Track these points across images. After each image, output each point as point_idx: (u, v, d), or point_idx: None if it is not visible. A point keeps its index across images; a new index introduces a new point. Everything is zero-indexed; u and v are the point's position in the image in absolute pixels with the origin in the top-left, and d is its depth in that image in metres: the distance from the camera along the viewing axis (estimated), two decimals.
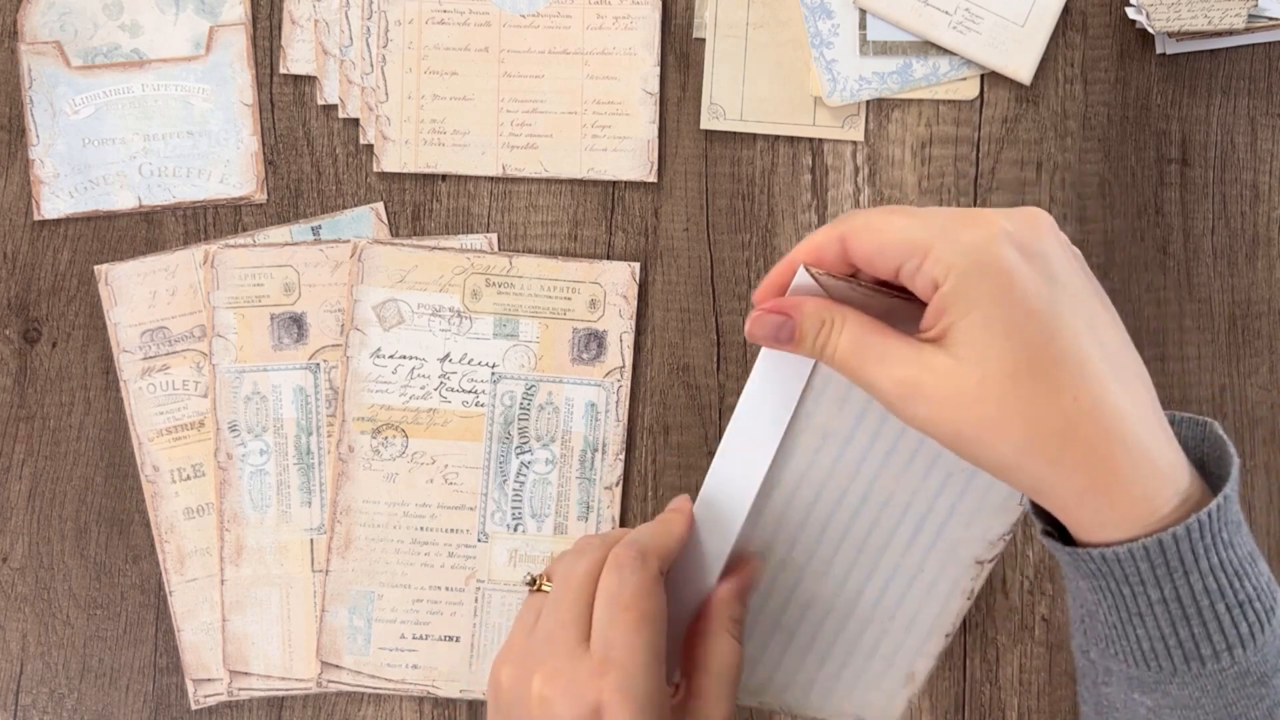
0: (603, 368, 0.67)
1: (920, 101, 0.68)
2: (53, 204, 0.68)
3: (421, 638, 0.67)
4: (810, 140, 0.68)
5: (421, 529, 0.67)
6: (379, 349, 0.67)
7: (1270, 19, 0.64)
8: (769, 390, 0.46)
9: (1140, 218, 0.67)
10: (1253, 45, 0.67)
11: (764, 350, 0.46)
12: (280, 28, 0.68)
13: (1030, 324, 0.39)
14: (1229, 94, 0.67)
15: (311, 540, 0.67)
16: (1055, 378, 0.39)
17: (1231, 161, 0.67)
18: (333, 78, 0.68)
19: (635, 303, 0.67)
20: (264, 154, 0.68)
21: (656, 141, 0.68)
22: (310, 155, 0.68)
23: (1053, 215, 0.44)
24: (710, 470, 0.48)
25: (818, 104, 0.67)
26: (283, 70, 0.68)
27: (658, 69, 0.68)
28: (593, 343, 0.67)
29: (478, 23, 0.68)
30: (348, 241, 0.67)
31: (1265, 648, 0.41)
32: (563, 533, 0.67)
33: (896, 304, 0.44)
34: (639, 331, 0.67)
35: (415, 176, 0.68)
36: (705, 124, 0.68)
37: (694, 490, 0.65)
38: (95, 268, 0.68)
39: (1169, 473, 0.40)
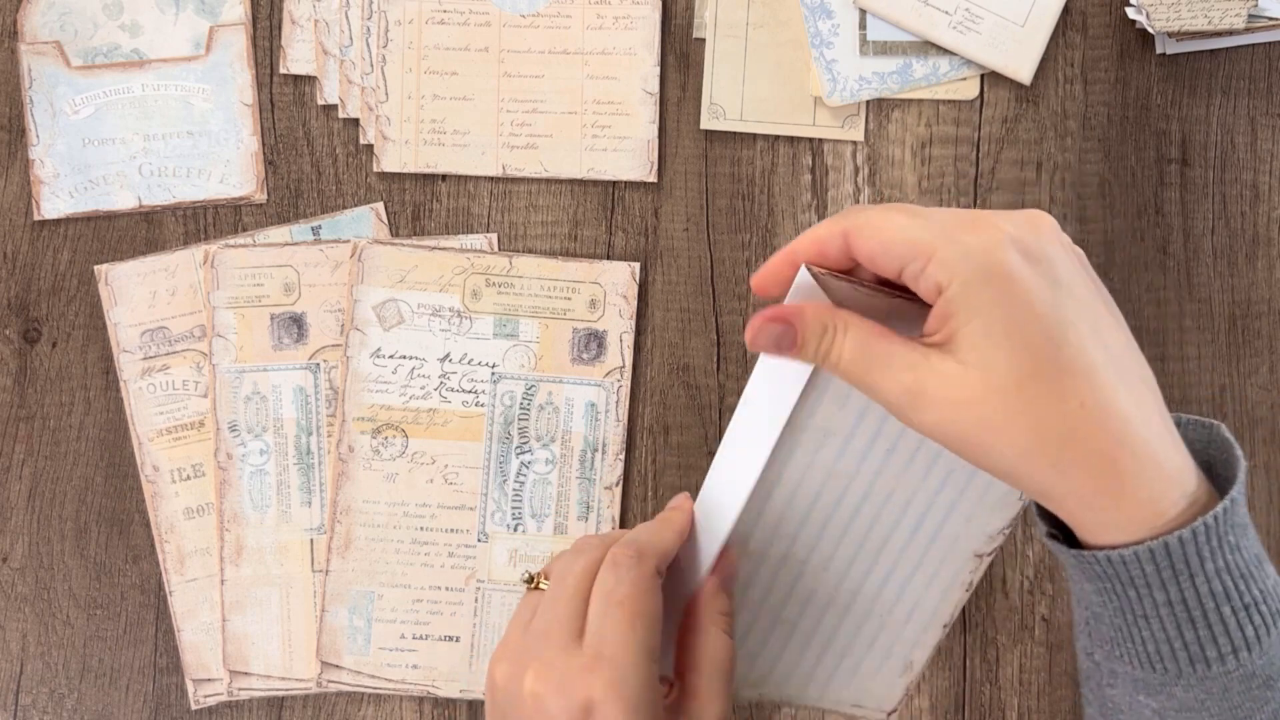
0: (603, 368, 0.67)
1: (920, 101, 0.68)
2: (53, 204, 0.68)
3: (421, 638, 0.67)
4: (810, 140, 0.68)
5: (421, 529, 0.67)
6: (379, 349, 0.67)
7: (1270, 19, 0.64)
8: (768, 391, 0.46)
9: (1140, 218, 0.67)
10: (1253, 45, 0.67)
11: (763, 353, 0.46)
12: (280, 28, 0.68)
13: (1035, 329, 0.39)
14: (1229, 94, 0.67)
15: (311, 540, 0.67)
16: (1061, 383, 0.39)
17: (1231, 161, 0.67)
18: (333, 78, 0.68)
19: (635, 303, 0.67)
20: (264, 154, 0.68)
21: (656, 141, 0.68)
22: (310, 155, 0.68)
23: (1053, 215, 0.44)
24: (710, 470, 0.48)
25: (818, 104, 0.67)
26: (283, 70, 0.68)
27: (658, 69, 0.68)
28: (593, 343, 0.67)
29: (478, 23, 0.68)
30: (348, 241, 0.67)
31: (1271, 651, 0.41)
32: (563, 533, 0.67)
33: (898, 304, 0.43)
34: (639, 331, 0.67)
35: (415, 176, 0.68)
36: (705, 124, 0.68)
37: (694, 490, 0.65)
38: (95, 268, 0.68)
39: (1175, 476, 0.40)
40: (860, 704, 0.54)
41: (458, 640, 0.67)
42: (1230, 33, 0.65)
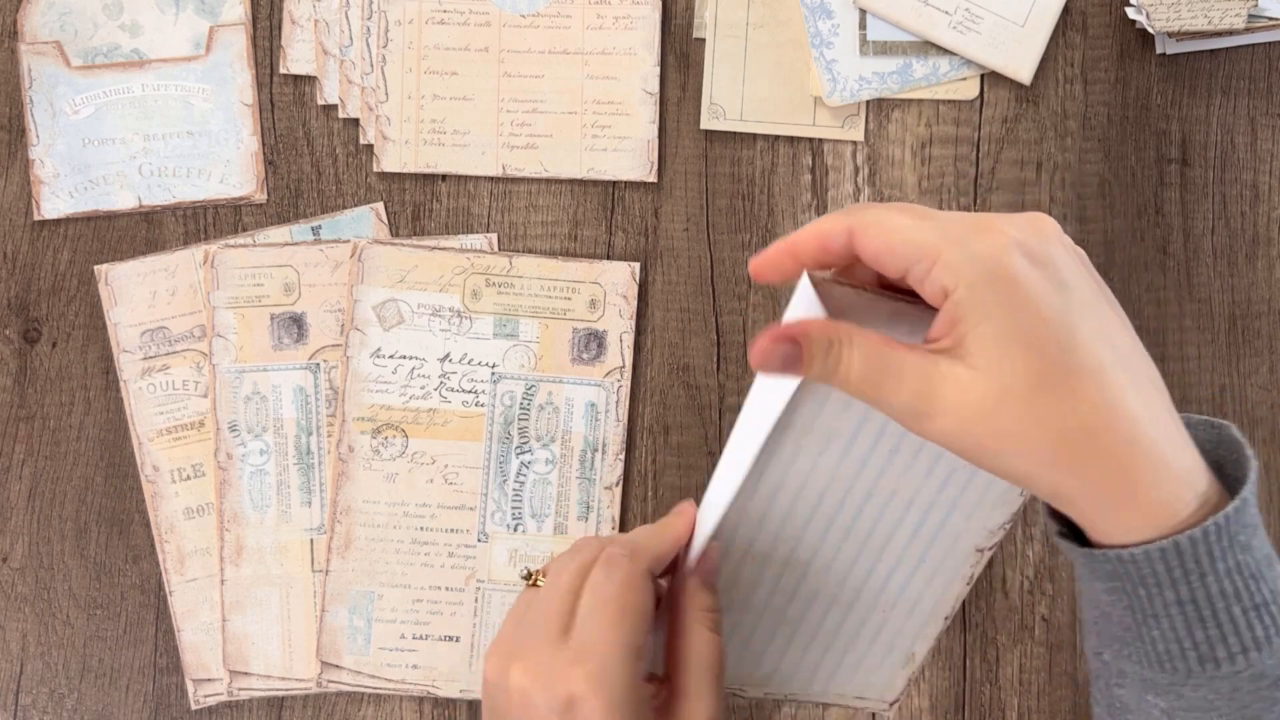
0: (603, 368, 0.67)
1: (920, 101, 0.68)
2: (53, 204, 0.68)
3: (421, 638, 0.67)
4: (810, 140, 0.68)
5: (421, 529, 0.67)
6: (379, 349, 0.67)
7: (1270, 19, 0.64)
8: (763, 399, 0.46)
9: (1140, 218, 0.67)
10: (1253, 45, 0.67)
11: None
12: (280, 28, 0.68)
13: (1045, 333, 0.39)
14: (1229, 94, 0.67)
15: (311, 540, 0.67)
16: (1073, 386, 0.39)
17: (1231, 161, 0.67)
18: (333, 78, 0.68)
19: (635, 303, 0.67)
20: (264, 154, 0.68)
21: (656, 141, 0.68)
22: (310, 155, 0.68)
23: (1053, 215, 0.44)
24: (711, 478, 0.49)
25: (818, 104, 0.67)
26: (283, 70, 0.68)
27: (658, 69, 0.68)
28: (593, 343, 0.67)
29: (478, 23, 0.68)
30: (348, 241, 0.67)
31: None
32: (563, 533, 0.67)
33: (901, 307, 0.43)
34: (639, 331, 0.67)
35: (415, 176, 0.68)
36: (705, 124, 0.68)
37: (694, 490, 0.65)
38: (95, 268, 0.68)
39: (1186, 476, 0.40)
40: (863, 696, 0.54)
41: (458, 640, 0.67)
42: (1230, 33, 0.65)
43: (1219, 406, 0.67)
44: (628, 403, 0.67)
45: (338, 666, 0.66)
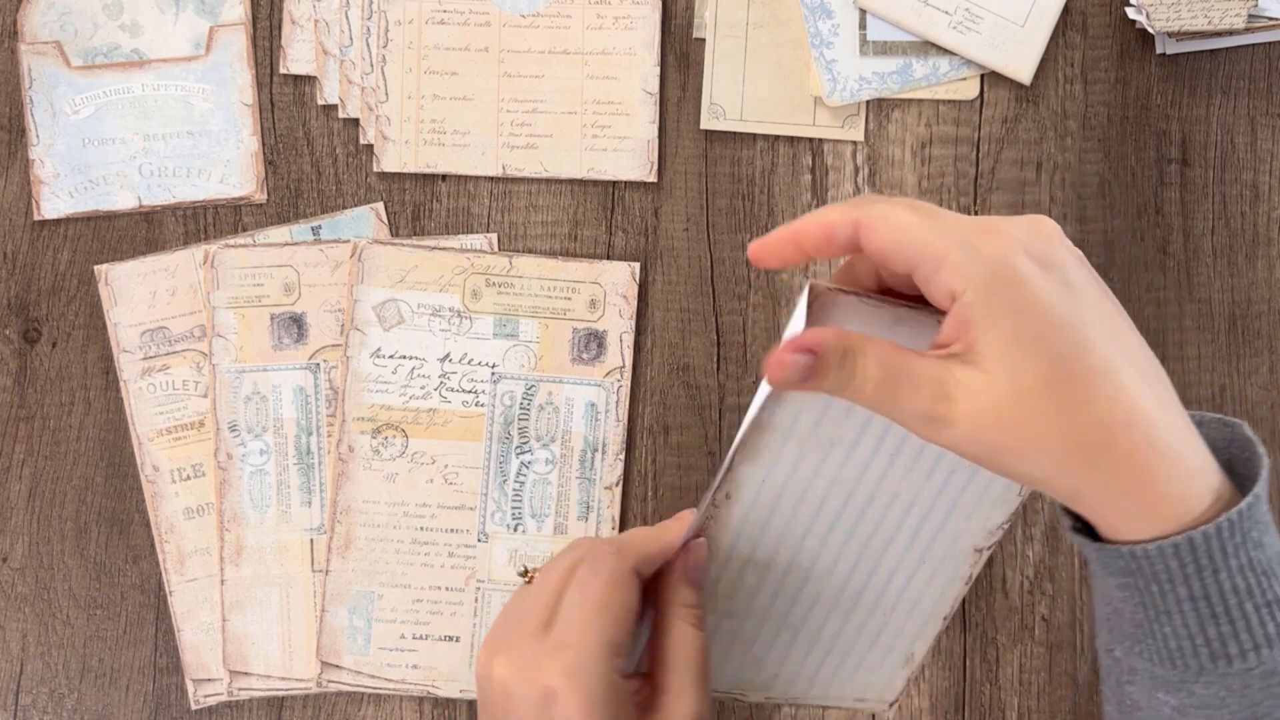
0: (603, 368, 0.67)
1: (920, 101, 0.68)
2: (53, 204, 0.68)
3: (421, 638, 0.67)
4: (810, 140, 0.68)
5: (421, 529, 0.67)
6: (379, 349, 0.67)
7: (1270, 19, 0.64)
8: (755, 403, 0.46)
9: (1140, 218, 0.67)
10: (1253, 45, 0.67)
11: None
12: (280, 28, 0.68)
13: (1057, 335, 0.39)
14: (1229, 94, 0.67)
15: (311, 540, 0.67)
16: (1088, 387, 0.39)
17: (1231, 161, 0.67)
18: (333, 78, 0.68)
19: (635, 303, 0.67)
20: (264, 154, 0.68)
21: (656, 141, 0.68)
22: (310, 155, 0.68)
23: (1053, 215, 0.44)
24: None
25: (818, 104, 0.67)
26: (283, 70, 0.68)
27: (658, 69, 0.68)
28: (593, 343, 0.67)
29: (478, 23, 0.68)
30: (348, 241, 0.67)
31: None
32: (563, 533, 0.67)
33: (903, 312, 0.43)
34: (639, 331, 0.67)
35: (415, 176, 0.68)
36: (705, 124, 0.68)
37: (694, 490, 0.65)
38: (95, 268, 0.68)
39: (1201, 473, 0.41)
40: (863, 697, 0.54)
41: (458, 640, 0.67)
42: (1230, 33, 0.65)
43: (1219, 406, 0.67)
44: (628, 403, 0.67)
45: (338, 666, 0.66)
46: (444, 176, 0.68)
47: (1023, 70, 0.67)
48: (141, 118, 0.68)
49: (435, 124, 0.68)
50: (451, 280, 0.67)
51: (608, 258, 0.68)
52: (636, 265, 0.67)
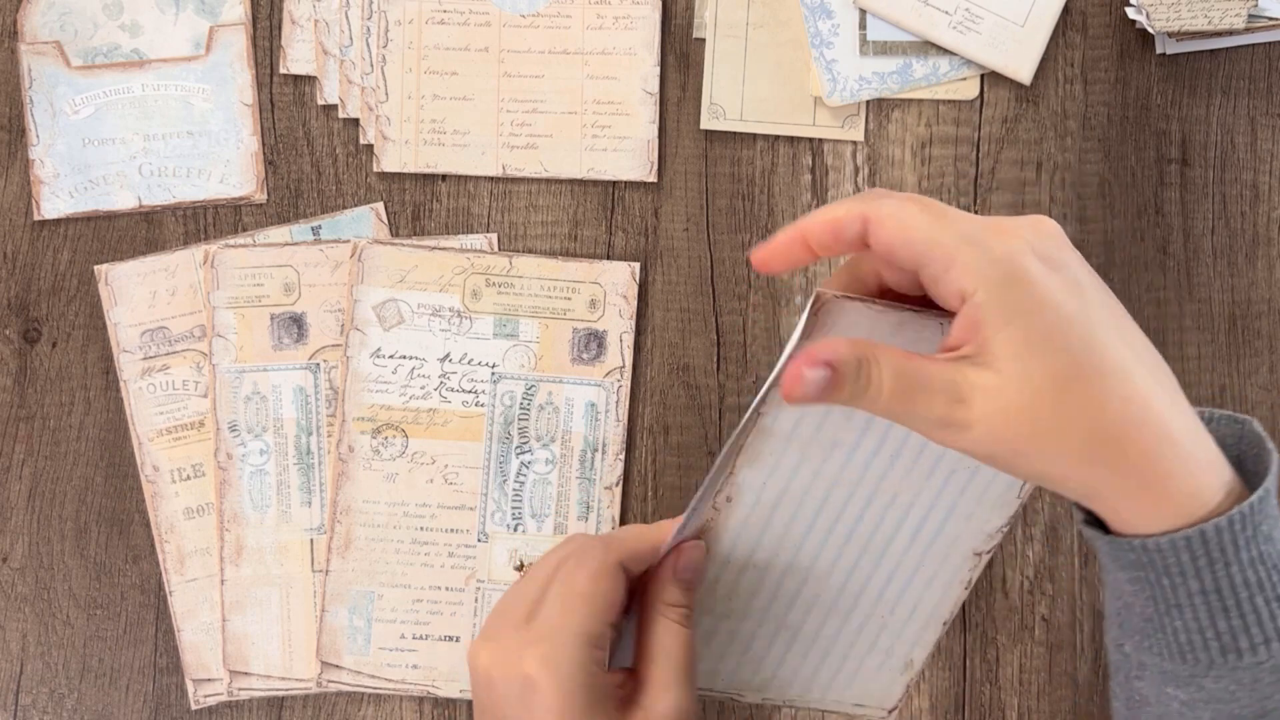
0: (603, 368, 0.67)
1: (920, 101, 0.68)
2: (53, 204, 0.68)
3: (421, 638, 0.67)
4: (810, 140, 0.68)
5: (421, 529, 0.67)
6: (379, 349, 0.67)
7: (1270, 19, 0.64)
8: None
9: (1140, 218, 0.67)
10: (1253, 45, 0.67)
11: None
12: (280, 28, 0.68)
13: (1070, 334, 0.39)
14: (1229, 94, 0.67)
15: (311, 540, 0.67)
16: (1102, 384, 0.39)
17: (1231, 161, 0.67)
18: (333, 78, 0.68)
19: (635, 303, 0.67)
20: (264, 154, 0.68)
21: (656, 141, 0.68)
22: (310, 155, 0.68)
23: (1053, 215, 0.44)
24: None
25: (818, 104, 0.67)
26: (283, 70, 0.68)
27: (658, 69, 0.68)
28: (593, 343, 0.67)
29: (478, 23, 0.68)
30: (348, 241, 0.67)
31: None
32: (562, 532, 0.67)
33: (906, 316, 0.43)
34: (639, 331, 0.67)
35: (415, 176, 0.68)
36: (705, 124, 0.68)
37: (694, 490, 0.65)
38: (95, 268, 0.68)
39: (1212, 467, 0.41)
40: (862, 703, 0.54)
41: (458, 640, 0.67)
42: (1230, 33, 0.65)
43: (1219, 406, 0.67)
44: (628, 403, 0.67)
45: (338, 666, 0.66)
46: (444, 176, 0.68)
47: (1023, 70, 0.67)
48: (141, 118, 0.68)
49: (435, 124, 0.68)
50: (451, 280, 0.67)
51: (608, 258, 0.68)
52: (636, 265, 0.67)
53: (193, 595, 0.67)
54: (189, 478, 0.67)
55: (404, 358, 0.67)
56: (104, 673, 0.67)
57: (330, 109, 0.68)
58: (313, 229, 0.68)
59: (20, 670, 0.67)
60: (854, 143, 0.68)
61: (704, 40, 0.68)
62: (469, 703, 0.67)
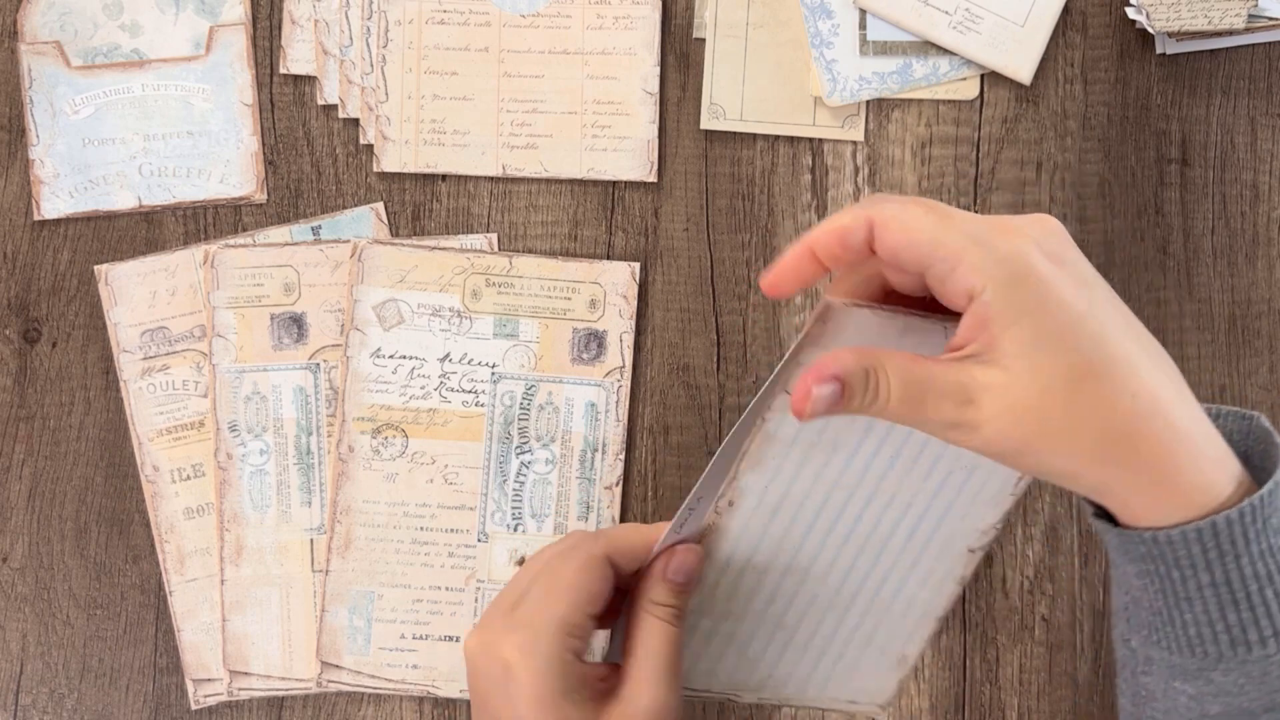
0: (603, 368, 0.67)
1: (920, 101, 0.68)
2: (53, 204, 0.68)
3: (421, 638, 0.67)
4: (810, 140, 0.68)
5: (421, 529, 0.67)
6: (379, 349, 0.67)
7: (1270, 19, 0.64)
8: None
9: (1140, 218, 0.67)
10: (1253, 45, 0.67)
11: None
12: (280, 28, 0.68)
13: (1079, 330, 0.40)
14: (1229, 94, 0.67)
15: (311, 540, 0.67)
16: (1113, 380, 0.40)
17: (1231, 161, 0.67)
18: (333, 78, 0.68)
19: (635, 303, 0.67)
20: (264, 154, 0.68)
21: (656, 141, 0.68)
22: (310, 155, 0.68)
23: (1053, 215, 0.44)
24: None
25: (818, 104, 0.67)
26: (283, 70, 0.68)
27: (658, 69, 0.68)
28: (593, 343, 0.67)
29: (478, 23, 0.68)
30: (348, 241, 0.67)
31: None
32: (562, 532, 0.67)
33: (912, 321, 0.43)
34: (639, 331, 0.67)
35: (415, 176, 0.68)
36: (705, 124, 0.68)
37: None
38: (95, 268, 0.68)
39: (1220, 462, 0.41)
40: (855, 700, 0.54)
41: (458, 640, 0.67)
42: (1230, 33, 0.65)
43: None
44: (628, 403, 0.67)
45: (338, 666, 0.66)
46: (444, 176, 0.68)
47: (1023, 70, 0.67)
48: (141, 118, 0.68)
49: (435, 124, 0.68)
50: (451, 280, 0.67)
51: (608, 258, 0.68)
52: (636, 265, 0.67)
53: (193, 595, 0.67)
54: (189, 478, 0.67)
55: (404, 358, 0.67)
56: (104, 673, 0.67)
57: (330, 109, 0.68)
58: (313, 229, 0.68)
59: (20, 670, 0.67)
60: (854, 143, 0.68)
61: (704, 40, 0.68)
62: (469, 703, 0.67)
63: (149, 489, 0.67)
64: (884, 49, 0.67)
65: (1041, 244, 0.41)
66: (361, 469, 0.67)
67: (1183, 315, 0.67)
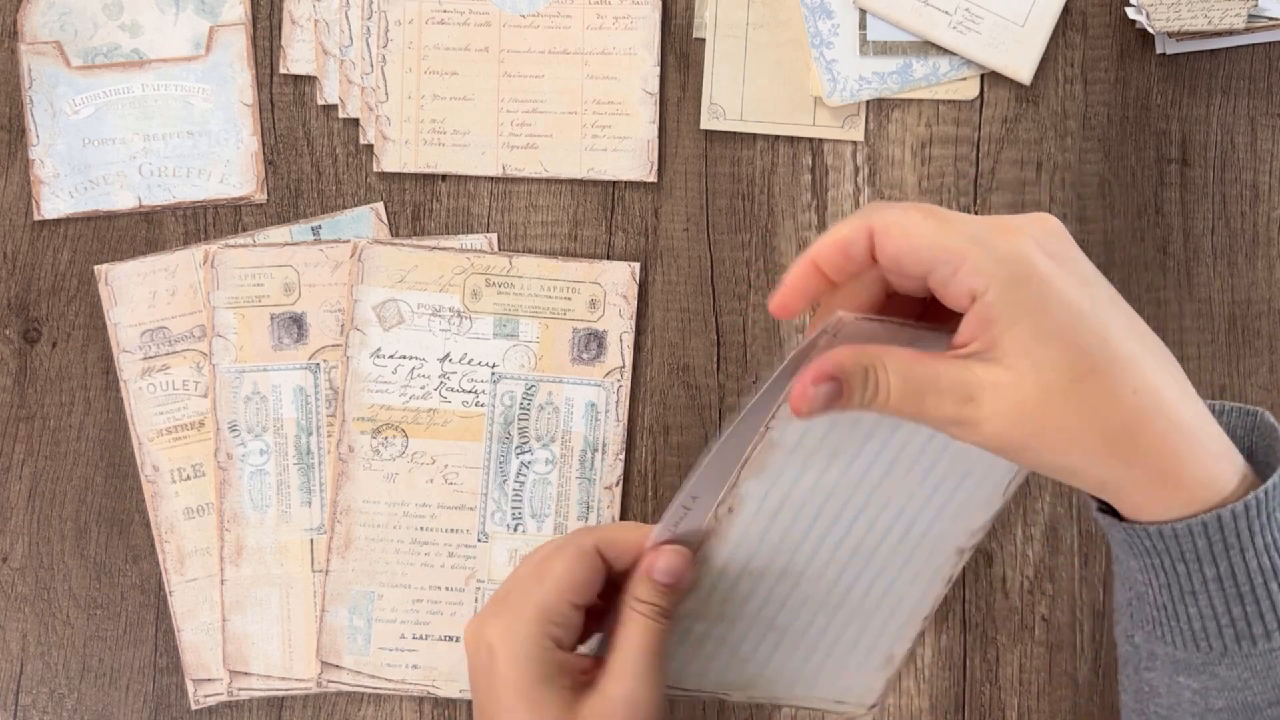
0: (603, 368, 0.67)
1: (920, 101, 0.68)
2: (53, 204, 0.68)
3: (421, 638, 0.67)
4: (810, 140, 0.68)
5: (421, 529, 0.67)
6: (379, 349, 0.67)
7: (1270, 19, 0.64)
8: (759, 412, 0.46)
9: (1140, 218, 0.67)
10: (1253, 45, 0.67)
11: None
12: (280, 28, 0.68)
13: (1081, 328, 0.40)
14: (1229, 94, 0.67)
15: (311, 540, 0.67)
16: (1115, 376, 0.40)
17: (1231, 161, 0.67)
18: (333, 78, 0.68)
19: (635, 303, 0.67)
20: (264, 154, 0.68)
21: (656, 141, 0.68)
22: (310, 155, 0.68)
23: (1052, 215, 0.44)
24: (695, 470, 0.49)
25: (818, 104, 0.67)
26: (283, 70, 0.68)
27: (658, 69, 0.68)
28: (593, 343, 0.67)
29: (478, 23, 0.68)
30: (348, 241, 0.67)
31: None
32: (562, 532, 0.67)
33: (917, 334, 0.43)
34: (639, 331, 0.67)
35: (415, 176, 0.68)
36: (705, 124, 0.68)
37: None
38: (95, 268, 0.68)
39: (1224, 457, 0.41)
40: (843, 700, 0.54)
41: (458, 640, 0.67)
42: (1230, 33, 0.65)
43: None
44: (628, 403, 0.67)
45: (338, 666, 0.66)
46: (444, 176, 0.68)
47: (1023, 70, 0.67)
48: (141, 118, 0.68)
49: (435, 124, 0.68)
50: (451, 280, 0.67)
51: (608, 258, 0.68)
52: (636, 265, 0.67)
53: (193, 595, 0.67)
54: (189, 478, 0.67)
55: (404, 358, 0.67)
56: (104, 673, 0.67)
57: (330, 109, 0.68)
58: (313, 229, 0.68)
59: (20, 670, 0.67)
60: (854, 143, 0.68)
61: (704, 40, 0.68)
62: (469, 703, 0.67)
63: (149, 489, 0.67)
64: (884, 49, 0.67)
65: (1042, 243, 0.41)
66: (361, 469, 0.67)
67: (1183, 315, 0.67)
